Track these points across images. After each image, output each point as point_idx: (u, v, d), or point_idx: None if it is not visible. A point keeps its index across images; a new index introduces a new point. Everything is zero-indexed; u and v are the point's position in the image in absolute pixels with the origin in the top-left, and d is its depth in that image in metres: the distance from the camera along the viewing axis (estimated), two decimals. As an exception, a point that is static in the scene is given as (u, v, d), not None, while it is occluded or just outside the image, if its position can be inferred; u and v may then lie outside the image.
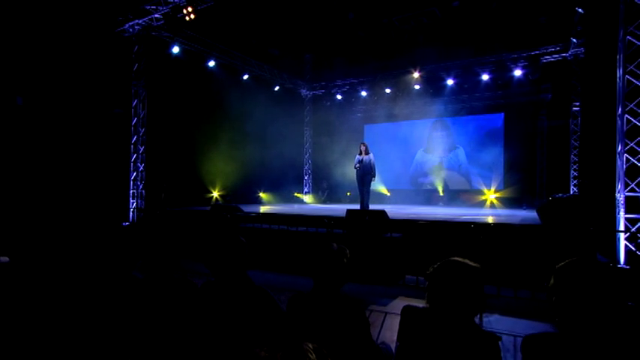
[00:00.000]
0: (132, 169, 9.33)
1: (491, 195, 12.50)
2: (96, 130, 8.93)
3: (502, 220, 6.70)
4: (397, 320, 4.00)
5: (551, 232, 4.80)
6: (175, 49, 9.86)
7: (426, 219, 6.45)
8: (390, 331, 3.67)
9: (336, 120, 14.84)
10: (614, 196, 4.94)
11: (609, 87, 5.19)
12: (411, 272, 5.27)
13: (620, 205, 4.82)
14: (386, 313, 4.19)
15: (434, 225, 5.63)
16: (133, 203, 9.32)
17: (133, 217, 9.28)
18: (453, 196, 13.36)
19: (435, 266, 1.50)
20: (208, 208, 8.07)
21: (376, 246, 5.49)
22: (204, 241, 1.90)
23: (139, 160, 9.38)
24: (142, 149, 9.40)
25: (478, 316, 3.42)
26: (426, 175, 14.19)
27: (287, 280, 5.53)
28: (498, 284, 4.24)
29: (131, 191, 9.32)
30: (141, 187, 9.41)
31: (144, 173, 9.46)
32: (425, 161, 14.29)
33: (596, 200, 5.55)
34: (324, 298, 1.66)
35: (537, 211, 6.09)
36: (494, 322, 3.77)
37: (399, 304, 4.59)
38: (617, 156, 4.88)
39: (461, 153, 13.62)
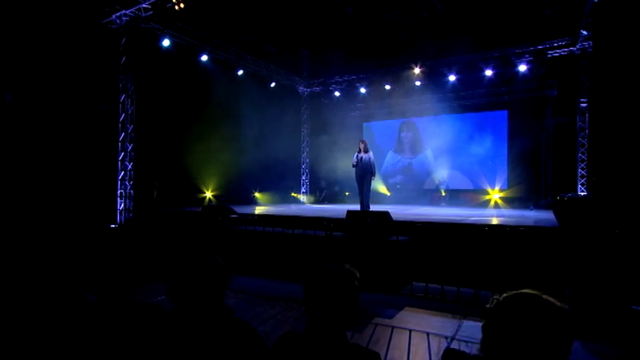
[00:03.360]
0: (119, 168, 8.83)
1: (495, 195, 12.09)
2: (81, 127, 8.45)
3: (512, 221, 6.28)
4: (406, 335, 3.58)
5: (571, 236, 4.37)
6: (166, 42, 9.38)
7: (432, 220, 6.02)
8: (399, 350, 3.22)
9: (334, 117, 14.39)
10: (642, 195, 4.52)
11: (630, 78, 4.77)
12: (419, 279, 4.85)
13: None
14: (393, 327, 3.76)
15: (444, 227, 5.19)
16: (120, 204, 8.83)
17: (120, 218, 8.79)
18: (456, 196, 12.94)
19: (500, 299, 1.01)
20: (200, 209, 7.64)
21: (380, 250, 5.07)
22: (168, 263, 1.42)
23: (127, 159, 8.88)
24: (130, 147, 8.89)
25: None
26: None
27: (282, 288, 5.14)
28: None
29: (119, 191, 8.82)
30: (129, 187, 8.91)
31: (132, 172, 8.95)
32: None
33: (619, 200, 5.13)
34: (325, 343, 1.18)
35: (554, 212, 5.68)
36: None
37: (407, 315, 4.15)
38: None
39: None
